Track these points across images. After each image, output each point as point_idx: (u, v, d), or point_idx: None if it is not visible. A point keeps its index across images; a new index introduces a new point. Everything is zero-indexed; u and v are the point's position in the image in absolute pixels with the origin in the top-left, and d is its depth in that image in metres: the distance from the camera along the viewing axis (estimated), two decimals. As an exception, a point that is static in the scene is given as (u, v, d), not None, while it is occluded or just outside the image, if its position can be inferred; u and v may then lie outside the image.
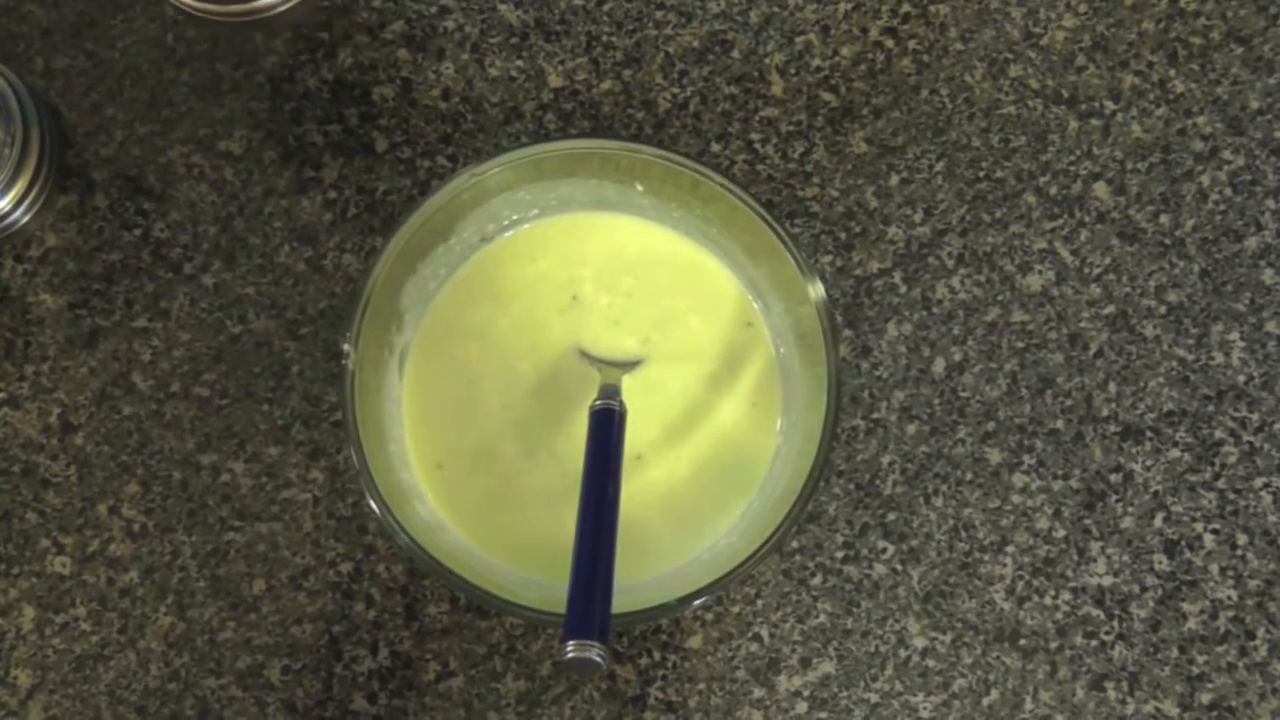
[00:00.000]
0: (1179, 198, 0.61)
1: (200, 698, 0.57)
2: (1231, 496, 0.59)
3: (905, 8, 0.63)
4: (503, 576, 0.54)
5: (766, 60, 0.62)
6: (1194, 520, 0.59)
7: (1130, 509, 0.59)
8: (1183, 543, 0.59)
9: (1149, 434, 0.59)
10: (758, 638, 0.58)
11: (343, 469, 0.58)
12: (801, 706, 0.57)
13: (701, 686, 0.57)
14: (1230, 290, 0.61)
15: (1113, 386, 0.60)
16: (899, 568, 0.58)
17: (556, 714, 0.57)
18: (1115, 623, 0.58)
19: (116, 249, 0.60)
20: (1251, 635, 0.58)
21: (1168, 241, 0.61)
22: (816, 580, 0.58)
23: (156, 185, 0.61)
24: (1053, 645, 0.58)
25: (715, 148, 0.61)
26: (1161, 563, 0.58)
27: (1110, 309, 0.60)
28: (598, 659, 0.46)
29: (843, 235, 0.61)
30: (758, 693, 0.57)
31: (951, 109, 0.62)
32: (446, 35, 0.62)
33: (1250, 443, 0.59)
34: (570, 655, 0.47)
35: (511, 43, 0.62)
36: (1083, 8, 0.63)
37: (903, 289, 0.60)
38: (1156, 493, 0.59)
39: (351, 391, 0.52)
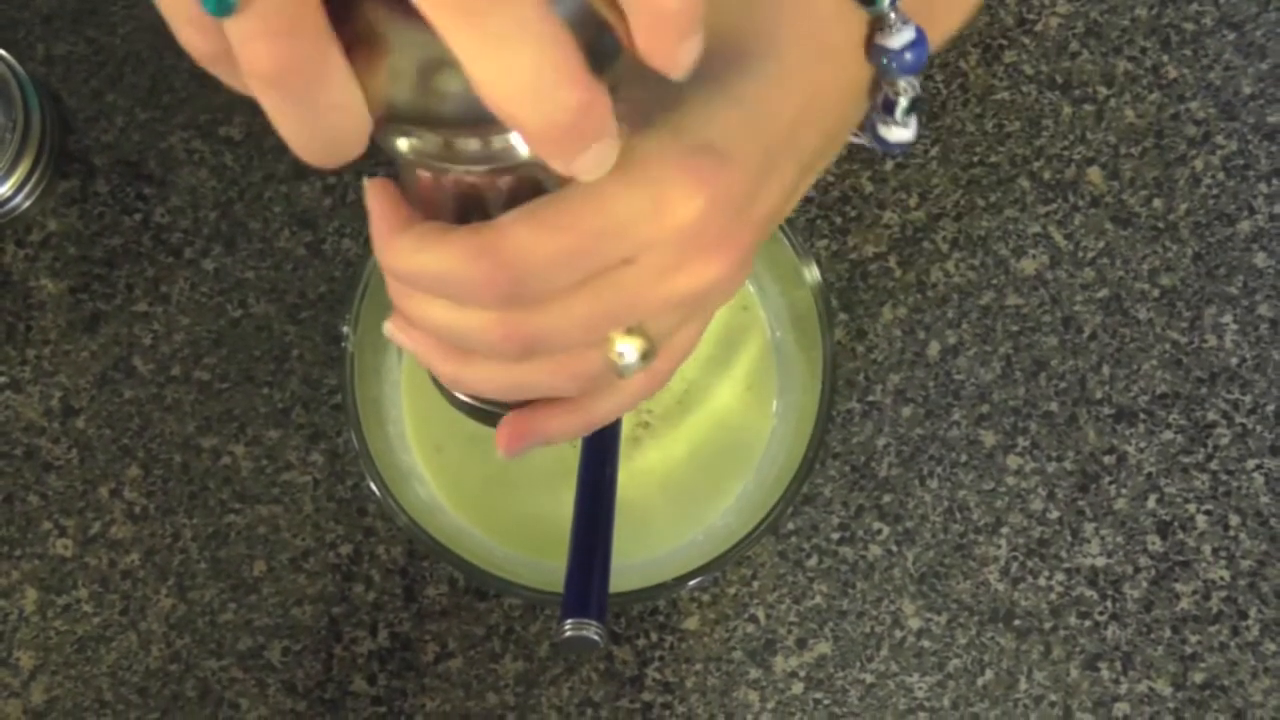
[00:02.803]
0: (1172, 182, 0.62)
1: (201, 679, 0.57)
2: (1224, 478, 0.59)
3: (900, -6, 0.63)
4: (501, 557, 0.55)
5: (762, 46, 0.62)
6: (1187, 501, 0.59)
7: (1123, 490, 0.59)
8: (1175, 524, 0.59)
9: (1142, 416, 0.60)
10: (754, 619, 0.58)
11: (343, 452, 0.59)
12: (798, 687, 0.58)
13: (698, 667, 0.58)
14: (1223, 273, 0.61)
15: (1106, 369, 0.60)
16: (894, 549, 0.59)
17: (555, 694, 0.57)
18: (1109, 603, 0.58)
19: (117, 234, 0.61)
20: (1244, 615, 0.58)
21: (1161, 225, 0.61)
22: (812, 562, 0.58)
23: (157, 171, 0.61)
24: (1047, 626, 0.58)
25: (712, 133, 0.62)
26: (1154, 544, 0.59)
27: (1104, 292, 0.61)
28: (595, 638, 0.47)
29: (838, 219, 0.61)
30: (754, 673, 0.58)
31: (946, 94, 0.62)
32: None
33: (1243, 424, 0.60)
34: (568, 634, 0.47)
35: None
36: (1077, -7, 0.63)
37: (897, 273, 0.61)
38: (1150, 474, 0.59)
39: (351, 374, 0.53)
